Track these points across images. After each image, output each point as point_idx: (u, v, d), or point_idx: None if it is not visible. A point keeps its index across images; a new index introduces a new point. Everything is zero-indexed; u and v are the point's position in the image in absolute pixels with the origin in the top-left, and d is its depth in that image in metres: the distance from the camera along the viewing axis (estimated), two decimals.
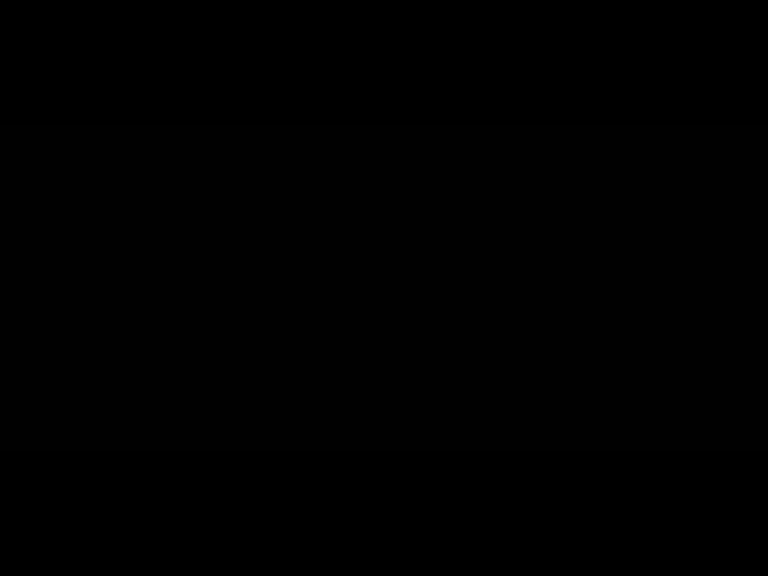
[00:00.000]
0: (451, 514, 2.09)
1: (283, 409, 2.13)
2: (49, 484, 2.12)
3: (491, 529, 2.09)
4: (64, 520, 2.10)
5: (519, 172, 2.20)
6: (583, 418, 2.12)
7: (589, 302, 2.16)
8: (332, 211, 2.19)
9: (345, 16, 2.22)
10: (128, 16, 2.24)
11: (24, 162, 2.24)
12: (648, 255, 2.18)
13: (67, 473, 2.13)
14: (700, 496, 2.09)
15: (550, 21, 2.22)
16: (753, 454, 2.11)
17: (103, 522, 2.10)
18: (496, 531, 2.09)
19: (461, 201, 2.17)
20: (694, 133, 2.21)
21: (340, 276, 2.17)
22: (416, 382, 2.13)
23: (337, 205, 2.19)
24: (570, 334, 2.16)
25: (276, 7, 2.23)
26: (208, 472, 2.12)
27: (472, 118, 2.22)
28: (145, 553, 2.08)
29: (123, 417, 2.15)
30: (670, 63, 2.22)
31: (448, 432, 2.11)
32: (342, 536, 2.09)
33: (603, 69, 2.22)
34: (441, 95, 2.22)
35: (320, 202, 2.19)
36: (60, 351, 2.18)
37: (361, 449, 2.11)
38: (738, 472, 2.10)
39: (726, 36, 2.22)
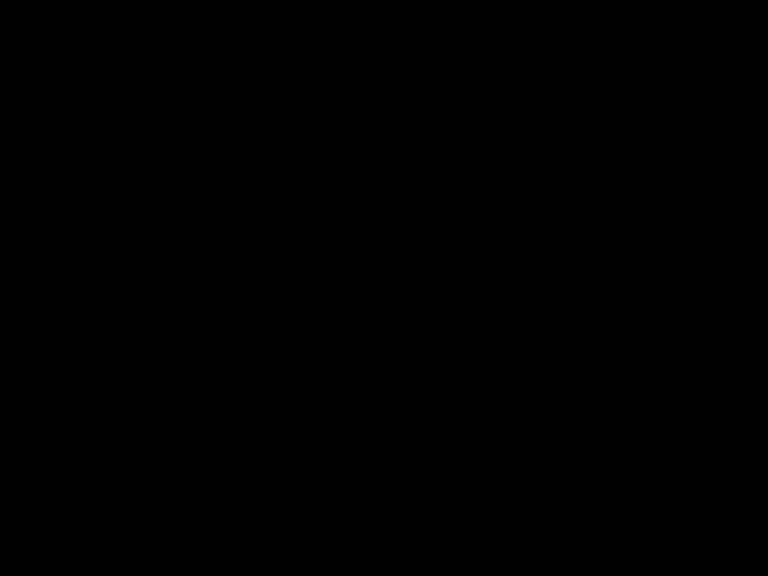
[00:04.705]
0: (450, 513, 2.09)
1: (282, 409, 2.13)
2: (48, 484, 2.12)
3: (491, 528, 2.09)
4: (64, 519, 2.11)
5: (517, 172, 2.21)
6: (582, 418, 2.12)
7: (589, 302, 2.17)
8: (332, 212, 2.19)
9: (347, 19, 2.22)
10: (128, 16, 2.24)
11: (24, 162, 2.24)
12: (648, 256, 2.18)
13: (67, 473, 2.13)
14: (700, 496, 2.09)
15: (549, 21, 2.22)
16: (753, 453, 2.11)
17: (103, 521, 2.10)
18: (496, 531, 2.09)
19: (461, 199, 2.18)
20: (695, 133, 2.21)
21: (339, 274, 2.17)
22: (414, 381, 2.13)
23: (337, 206, 2.19)
24: (568, 334, 2.16)
25: (276, 8, 2.23)
26: (208, 471, 2.12)
27: (472, 118, 2.22)
28: (145, 552, 2.08)
29: (123, 417, 2.15)
30: (670, 63, 2.22)
31: (446, 432, 2.12)
32: (341, 536, 2.09)
33: (603, 69, 2.22)
34: (441, 95, 2.22)
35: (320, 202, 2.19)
36: (60, 351, 2.18)
37: (359, 449, 2.11)
38: (738, 472, 2.10)
39: (726, 36, 2.22)
